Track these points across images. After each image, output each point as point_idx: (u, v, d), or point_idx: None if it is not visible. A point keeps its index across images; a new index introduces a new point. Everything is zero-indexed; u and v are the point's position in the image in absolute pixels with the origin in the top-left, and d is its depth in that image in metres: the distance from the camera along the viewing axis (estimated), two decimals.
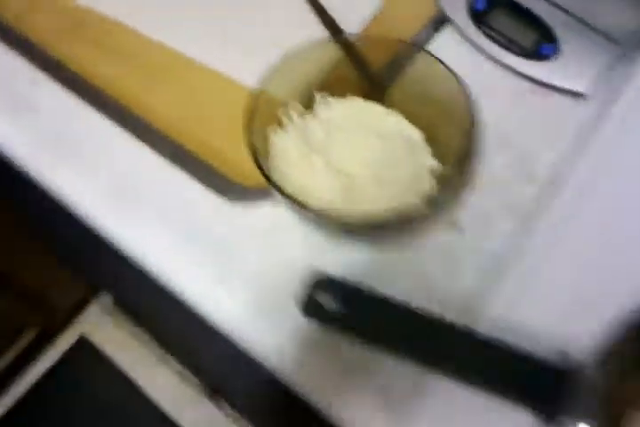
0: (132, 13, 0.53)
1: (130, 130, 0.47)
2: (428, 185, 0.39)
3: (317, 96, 0.42)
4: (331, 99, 0.43)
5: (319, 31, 0.49)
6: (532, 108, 0.46)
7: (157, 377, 0.95)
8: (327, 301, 0.33)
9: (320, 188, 0.39)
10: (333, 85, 0.43)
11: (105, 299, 0.99)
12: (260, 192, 0.43)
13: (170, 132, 0.47)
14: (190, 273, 0.40)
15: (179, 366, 0.92)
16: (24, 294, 0.91)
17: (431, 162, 0.40)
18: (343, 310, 0.33)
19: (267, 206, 0.42)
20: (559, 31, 0.46)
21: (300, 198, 0.35)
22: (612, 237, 0.38)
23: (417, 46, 0.46)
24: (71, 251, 0.44)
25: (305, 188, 0.38)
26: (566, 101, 0.46)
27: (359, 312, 0.33)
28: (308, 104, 0.43)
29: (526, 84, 0.47)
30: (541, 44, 0.47)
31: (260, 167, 0.36)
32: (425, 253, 0.38)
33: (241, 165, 0.44)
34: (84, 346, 1.00)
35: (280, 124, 0.41)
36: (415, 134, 0.42)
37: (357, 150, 0.40)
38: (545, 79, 0.47)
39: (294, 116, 0.42)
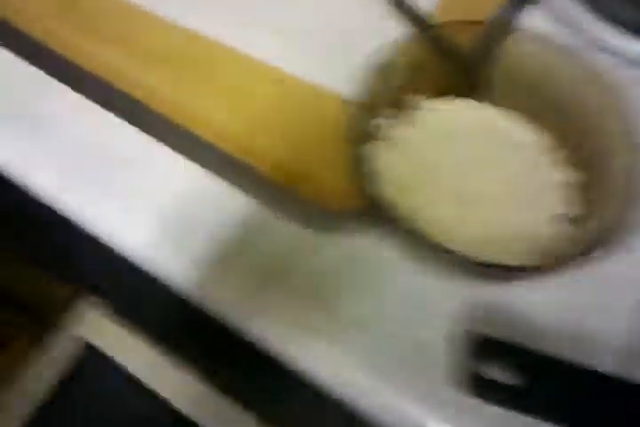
0: None
1: (168, 140, 0.37)
2: (565, 202, 0.31)
3: (413, 101, 0.34)
4: (428, 102, 0.34)
5: (389, 27, 0.40)
6: None
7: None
8: (499, 373, 0.26)
9: (432, 212, 0.31)
10: (428, 87, 0.35)
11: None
12: (347, 218, 0.35)
13: (219, 142, 0.38)
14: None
15: None
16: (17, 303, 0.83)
17: (565, 173, 0.32)
18: (523, 383, 0.26)
19: (358, 234, 0.34)
20: None
21: (420, 229, 0.28)
22: None
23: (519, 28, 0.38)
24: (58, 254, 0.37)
25: (415, 211, 0.30)
26: None
27: (543, 385, 0.26)
28: (403, 110, 0.34)
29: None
30: None
31: (366, 189, 0.29)
32: (577, 287, 0.31)
33: (319, 185, 0.36)
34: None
35: (376, 137, 0.32)
36: (536, 138, 0.34)
37: (471, 164, 0.32)
38: None
39: (391, 126, 0.33)
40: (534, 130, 0.34)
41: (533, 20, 0.41)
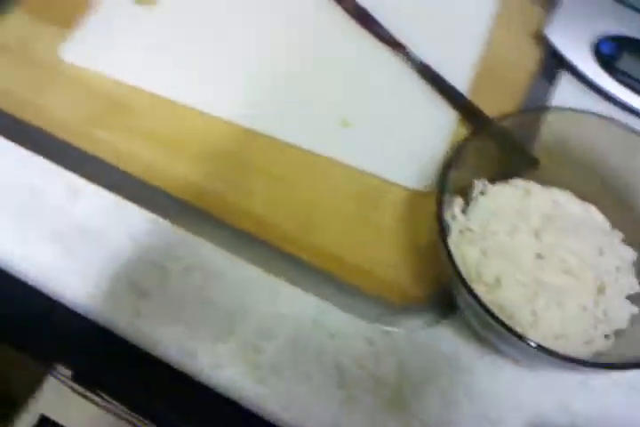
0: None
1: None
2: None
3: (479, 187, 0.36)
4: (493, 187, 0.36)
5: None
6: None
7: None
8: None
9: (511, 303, 0.32)
10: (490, 173, 0.37)
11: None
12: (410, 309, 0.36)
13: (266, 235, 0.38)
14: None
15: None
16: None
17: (629, 252, 0.34)
18: None
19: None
20: None
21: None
22: None
23: (555, 108, 0.41)
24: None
25: (494, 298, 0.32)
26: None
27: None
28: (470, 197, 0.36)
29: None
30: None
31: (463, 283, 0.29)
32: None
33: (381, 278, 0.37)
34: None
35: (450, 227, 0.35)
36: (598, 217, 0.36)
37: (544, 249, 0.34)
38: None
39: (459, 214, 0.35)
40: (590, 208, 0.36)
41: (563, 93, 0.44)
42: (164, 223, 0.37)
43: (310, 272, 0.36)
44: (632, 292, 0.33)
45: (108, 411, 0.89)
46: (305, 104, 0.44)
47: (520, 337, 0.27)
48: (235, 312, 0.34)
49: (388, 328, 0.33)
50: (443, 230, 0.31)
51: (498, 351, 0.33)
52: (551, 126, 0.38)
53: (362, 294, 0.35)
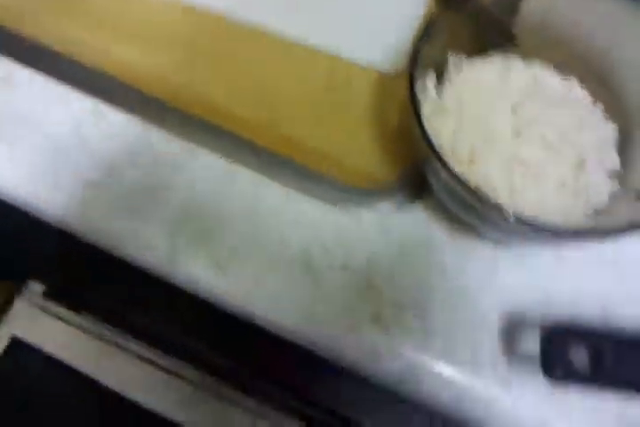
0: None
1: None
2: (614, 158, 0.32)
3: (454, 61, 0.33)
4: (469, 61, 0.33)
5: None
6: None
7: None
8: (576, 356, 0.27)
9: (485, 172, 0.30)
10: (466, 47, 0.34)
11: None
12: (378, 193, 0.34)
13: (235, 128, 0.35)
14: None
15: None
16: None
17: (608, 127, 0.33)
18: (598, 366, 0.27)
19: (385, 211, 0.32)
20: None
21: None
22: None
23: None
24: None
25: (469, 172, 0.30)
26: None
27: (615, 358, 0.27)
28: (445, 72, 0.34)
29: None
30: None
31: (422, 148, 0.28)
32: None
33: (340, 162, 0.34)
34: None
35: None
36: (579, 92, 0.34)
37: (522, 122, 0.32)
38: None
39: (432, 88, 0.32)
40: (572, 84, 0.34)
41: None
42: (112, 111, 0.33)
43: (275, 160, 0.33)
44: (612, 168, 0.31)
45: (83, 330, 0.88)
46: None
47: (498, 208, 0.26)
48: (192, 203, 0.31)
49: (356, 212, 0.31)
50: (415, 104, 0.28)
51: (471, 231, 0.31)
52: (532, 1, 0.35)
53: (330, 181, 0.33)
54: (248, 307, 0.30)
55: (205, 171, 0.32)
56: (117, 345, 0.84)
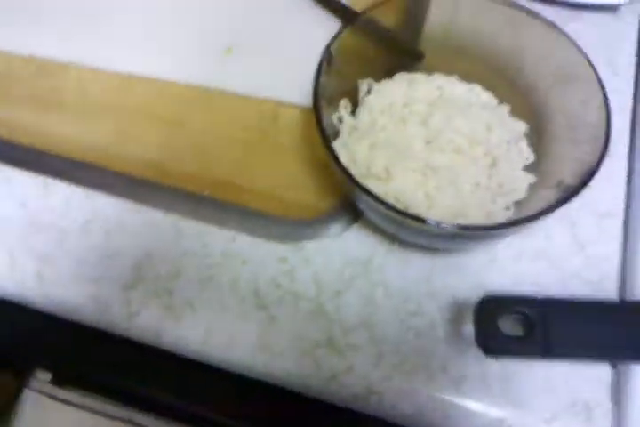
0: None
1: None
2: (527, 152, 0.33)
3: (364, 86, 0.35)
4: (378, 84, 0.35)
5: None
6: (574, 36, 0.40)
7: None
8: (508, 326, 0.27)
9: (406, 188, 0.32)
10: (374, 70, 0.36)
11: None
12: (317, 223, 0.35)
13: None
14: None
15: None
16: None
17: (517, 124, 0.34)
18: (531, 330, 0.27)
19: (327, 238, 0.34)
20: None
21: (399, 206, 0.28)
22: None
23: None
24: None
25: (390, 191, 0.31)
26: (609, 18, 0.41)
27: (551, 326, 0.28)
28: (357, 98, 0.36)
29: (560, 12, 0.42)
30: None
31: (344, 179, 0.29)
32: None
33: (277, 197, 0.36)
34: None
35: (335, 131, 0.34)
36: (483, 95, 0.36)
37: (433, 132, 0.33)
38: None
39: (345, 115, 0.34)
40: (476, 89, 0.36)
41: None
42: (54, 184, 0.35)
43: (213, 205, 0.35)
44: (528, 162, 0.33)
45: (95, 412, 0.87)
46: (186, 40, 0.42)
47: (417, 218, 0.27)
48: (140, 258, 0.33)
49: (299, 243, 0.33)
50: (323, 135, 0.30)
51: (406, 244, 0.33)
52: (434, 16, 0.37)
53: (268, 217, 0.34)
54: (206, 351, 0.31)
55: (151, 228, 0.34)
56: (132, 422, 0.83)
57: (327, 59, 0.32)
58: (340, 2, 0.43)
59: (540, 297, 0.28)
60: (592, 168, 0.29)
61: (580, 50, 0.32)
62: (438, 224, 0.27)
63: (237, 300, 0.32)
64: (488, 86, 0.36)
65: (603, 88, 0.30)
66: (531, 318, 0.27)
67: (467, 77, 0.36)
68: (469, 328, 0.28)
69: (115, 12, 0.43)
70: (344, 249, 0.33)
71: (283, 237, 0.34)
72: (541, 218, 0.28)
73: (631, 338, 0.28)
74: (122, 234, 0.34)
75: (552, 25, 0.33)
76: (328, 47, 0.32)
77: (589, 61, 0.31)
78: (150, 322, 0.31)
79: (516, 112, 0.35)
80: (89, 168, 0.37)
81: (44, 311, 0.33)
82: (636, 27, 0.41)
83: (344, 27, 0.33)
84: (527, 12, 0.34)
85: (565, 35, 0.32)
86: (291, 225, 0.34)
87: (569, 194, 0.28)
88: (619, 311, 0.29)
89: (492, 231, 0.28)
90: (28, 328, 0.36)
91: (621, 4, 0.41)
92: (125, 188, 0.37)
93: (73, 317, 0.33)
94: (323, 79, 0.32)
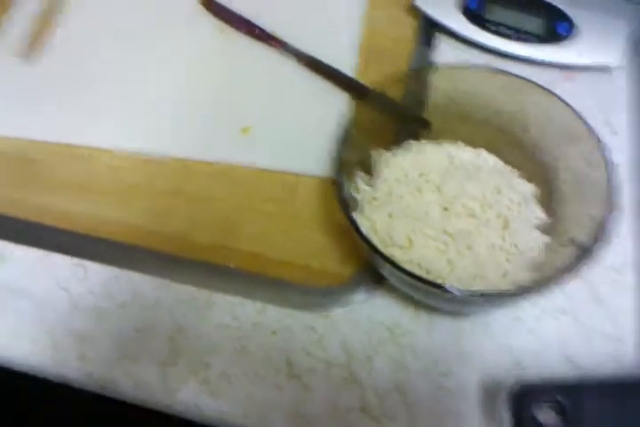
0: None
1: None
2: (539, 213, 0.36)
3: (377, 156, 0.38)
4: (389, 154, 0.39)
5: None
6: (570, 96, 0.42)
7: None
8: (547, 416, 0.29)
9: (426, 258, 0.34)
10: (385, 141, 0.40)
11: None
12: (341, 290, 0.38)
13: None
14: None
15: None
16: None
17: (526, 186, 0.37)
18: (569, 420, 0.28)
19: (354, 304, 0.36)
20: (569, 7, 0.45)
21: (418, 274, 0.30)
22: None
23: (430, 67, 0.43)
24: None
25: (411, 260, 0.34)
26: (603, 77, 0.45)
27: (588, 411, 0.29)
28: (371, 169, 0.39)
29: (554, 73, 0.45)
30: (554, 24, 0.45)
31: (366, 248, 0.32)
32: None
33: (305, 268, 0.39)
34: None
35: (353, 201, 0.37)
36: (490, 159, 0.39)
37: (448, 199, 0.36)
38: (571, 60, 0.46)
39: (362, 186, 0.37)
40: (482, 154, 0.39)
41: (445, 54, 0.47)
42: (91, 266, 0.38)
43: (241, 278, 0.38)
44: (538, 222, 0.35)
45: None
46: (204, 121, 0.46)
47: (436, 285, 0.29)
48: (175, 335, 0.35)
49: (326, 312, 0.35)
50: (345, 206, 0.33)
51: (432, 308, 0.35)
52: (436, 85, 0.40)
53: (294, 287, 0.37)
54: (245, 423, 0.32)
55: (183, 303, 0.37)
56: None
57: (344, 133, 0.35)
58: (348, 77, 0.47)
59: (571, 382, 0.29)
60: (604, 224, 0.31)
61: (576, 112, 0.35)
62: (459, 291, 0.29)
63: (271, 370, 0.34)
64: (493, 150, 0.39)
65: (602, 146, 0.33)
66: (564, 405, 0.28)
67: (472, 142, 0.39)
68: (503, 405, 0.30)
69: (137, 97, 0.47)
70: (370, 315, 0.35)
71: (310, 306, 0.36)
72: (559, 281, 0.30)
73: None
74: (157, 310, 0.36)
75: (548, 91, 0.36)
76: (344, 122, 0.35)
77: (586, 123, 0.34)
78: (188, 398, 0.33)
79: (524, 174, 0.38)
80: (124, 248, 0.40)
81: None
82: (628, 86, 0.44)
83: (357, 101, 0.37)
84: (524, 79, 0.37)
85: (561, 99, 0.35)
86: (317, 294, 0.37)
87: (584, 254, 0.30)
88: None
89: (512, 297, 0.30)
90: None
91: (614, 65, 0.44)
92: (158, 265, 0.39)
93: (113, 395, 0.35)
94: (340, 152, 0.35)
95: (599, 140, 0.33)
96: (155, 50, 0.49)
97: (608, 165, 0.33)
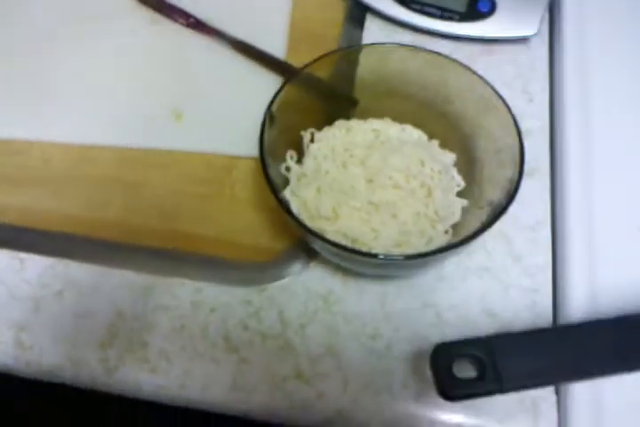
0: None
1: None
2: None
3: (308, 136, 0.40)
4: (320, 133, 0.40)
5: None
6: (490, 68, 0.45)
7: None
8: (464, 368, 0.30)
9: (351, 228, 0.36)
10: (315, 120, 0.41)
11: None
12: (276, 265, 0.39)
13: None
14: None
15: None
16: None
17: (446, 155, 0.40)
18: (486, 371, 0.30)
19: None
20: None
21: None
22: None
23: (362, 47, 0.45)
24: None
25: (339, 231, 0.36)
26: (521, 49, 0.47)
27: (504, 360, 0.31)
28: (302, 147, 0.40)
29: (476, 48, 0.48)
30: (476, 2, 0.48)
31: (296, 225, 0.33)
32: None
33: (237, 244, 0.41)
34: None
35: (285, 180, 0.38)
36: (415, 133, 0.41)
37: (374, 172, 0.38)
38: (491, 34, 0.48)
39: (292, 164, 0.39)
40: (408, 129, 0.41)
41: (374, 34, 0.49)
42: (28, 257, 0.39)
43: (179, 259, 0.39)
44: (459, 188, 0.37)
45: None
46: (137, 109, 0.47)
47: (359, 252, 0.31)
48: (115, 318, 0.36)
49: (263, 286, 0.36)
50: (272, 186, 0.34)
51: (361, 276, 0.37)
52: (364, 65, 0.42)
53: (230, 264, 0.38)
54: (184, 395, 0.34)
55: (123, 288, 0.38)
56: None
57: (269, 116, 0.37)
58: (278, 59, 0.48)
59: (484, 337, 0.31)
60: (514, 186, 0.33)
61: (490, 85, 0.37)
62: (382, 256, 0.31)
63: (209, 346, 0.35)
64: (419, 124, 0.41)
65: (513, 115, 0.35)
66: (481, 358, 0.30)
67: (399, 117, 0.41)
68: (425, 348, 0.32)
69: (69, 89, 0.48)
70: (305, 286, 0.37)
71: (246, 282, 0.37)
72: (474, 239, 0.32)
73: (569, 359, 0.31)
74: (95, 297, 0.37)
75: (466, 66, 0.38)
76: (269, 105, 0.37)
77: (499, 94, 0.36)
78: (129, 377, 0.34)
79: (446, 144, 0.40)
80: (61, 238, 0.41)
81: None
82: (546, 55, 0.47)
83: (283, 83, 0.38)
84: (445, 56, 0.40)
85: (477, 73, 0.38)
86: (252, 269, 0.38)
87: (497, 212, 0.33)
88: (553, 337, 0.32)
89: (432, 256, 0.32)
90: None
91: (531, 36, 0.47)
92: (96, 253, 0.40)
93: (54, 379, 0.36)
94: (267, 135, 0.36)
95: (509, 110, 0.36)
96: (86, 42, 0.50)
97: (518, 132, 0.35)
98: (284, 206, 0.33)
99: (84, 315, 0.37)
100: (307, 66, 0.40)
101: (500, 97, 0.36)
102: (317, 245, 0.35)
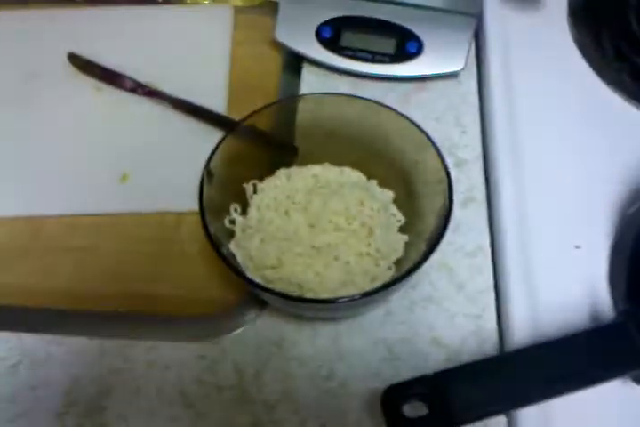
0: None
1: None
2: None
3: (251, 187, 0.43)
4: (263, 183, 0.43)
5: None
6: (424, 104, 0.50)
7: None
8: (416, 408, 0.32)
9: (295, 274, 0.38)
10: (258, 170, 0.44)
11: None
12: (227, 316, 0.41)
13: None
14: None
15: None
16: None
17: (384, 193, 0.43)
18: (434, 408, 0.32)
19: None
20: (415, 26, 0.52)
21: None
22: None
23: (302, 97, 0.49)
24: None
25: (287, 277, 0.38)
26: (451, 84, 0.52)
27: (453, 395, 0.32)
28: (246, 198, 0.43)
29: (409, 86, 0.52)
30: (405, 43, 0.52)
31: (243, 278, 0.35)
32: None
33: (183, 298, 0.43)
34: None
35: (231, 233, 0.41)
36: (353, 175, 0.44)
37: (315, 216, 0.41)
38: (422, 73, 0.53)
39: (237, 217, 0.42)
40: (345, 171, 0.44)
41: (311, 82, 0.53)
42: None
43: (130, 321, 0.41)
44: (400, 223, 0.40)
45: None
46: (82, 176, 0.50)
47: (303, 299, 0.34)
48: (70, 385, 0.38)
49: (216, 339, 0.39)
50: (213, 242, 0.36)
51: (313, 319, 0.39)
52: (303, 113, 0.45)
53: (184, 320, 0.40)
54: None
55: (76, 355, 0.40)
56: None
57: (207, 173, 0.39)
58: (218, 114, 0.52)
59: (431, 374, 0.33)
60: (445, 213, 0.36)
61: (416, 125, 0.40)
62: (325, 300, 0.34)
63: (165, 404, 0.37)
64: (358, 164, 0.44)
65: (439, 151, 0.39)
66: (429, 395, 0.32)
67: (338, 159, 0.44)
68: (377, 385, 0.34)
69: (13, 159, 0.51)
70: (258, 334, 0.39)
71: (200, 336, 0.39)
72: (414, 271, 0.34)
73: (515, 387, 0.33)
74: (49, 366, 0.39)
75: (394, 110, 0.42)
76: (207, 162, 0.39)
77: (425, 133, 0.40)
78: None
79: (385, 182, 0.43)
80: (13, 311, 0.43)
81: None
82: (475, 88, 0.51)
83: (222, 138, 0.41)
84: (379, 103, 0.43)
85: (404, 115, 0.41)
86: (205, 323, 0.40)
87: (433, 242, 0.36)
88: (498, 365, 0.35)
89: (376, 294, 0.34)
90: None
91: (459, 71, 0.52)
92: (48, 322, 0.42)
93: None
94: (207, 191, 0.38)
95: (435, 147, 0.39)
96: (28, 112, 0.53)
97: (443, 166, 0.38)
98: (226, 261, 0.35)
99: (39, 385, 0.38)
100: (244, 119, 0.43)
101: (427, 135, 0.40)
102: (264, 296, 0.37)
